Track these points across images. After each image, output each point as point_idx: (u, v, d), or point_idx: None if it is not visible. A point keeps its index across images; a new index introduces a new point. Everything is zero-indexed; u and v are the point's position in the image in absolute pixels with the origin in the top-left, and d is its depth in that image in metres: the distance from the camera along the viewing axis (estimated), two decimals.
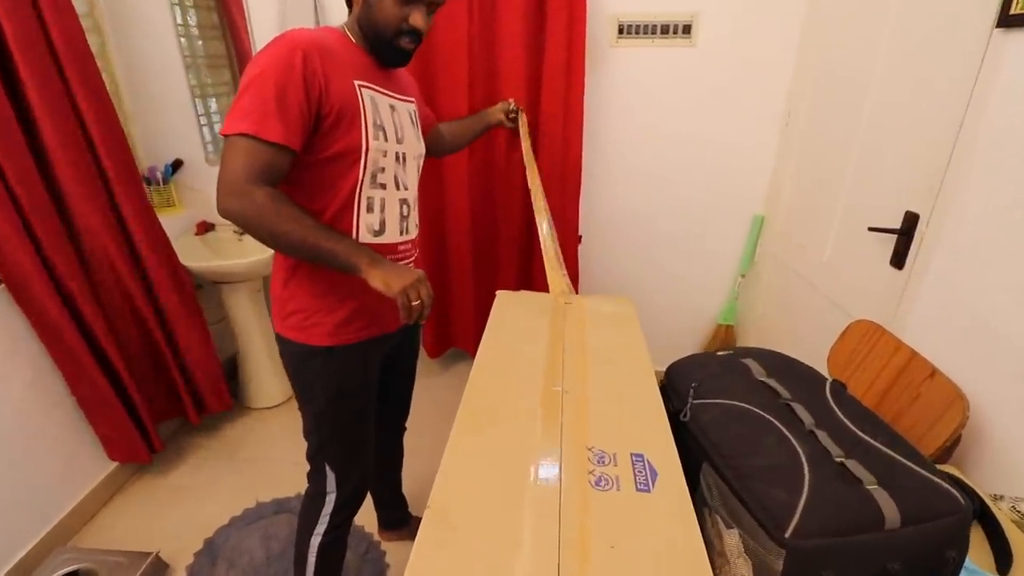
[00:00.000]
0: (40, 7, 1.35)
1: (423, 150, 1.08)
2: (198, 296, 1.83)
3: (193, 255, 1.86)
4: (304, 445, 1.09)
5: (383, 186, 0.95)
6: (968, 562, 0.73)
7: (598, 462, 0.59)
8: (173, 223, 1.97)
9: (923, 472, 0.64)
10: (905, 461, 0.65)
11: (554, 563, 0.46)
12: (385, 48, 0.94)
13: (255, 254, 1.85)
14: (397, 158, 0.96)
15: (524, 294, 1.04)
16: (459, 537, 0.48)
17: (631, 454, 0.60)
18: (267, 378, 2.13)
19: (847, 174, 1.43)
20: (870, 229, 1.26)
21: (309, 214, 0.84)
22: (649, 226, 2.04)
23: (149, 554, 1.43)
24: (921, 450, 0.72)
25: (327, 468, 1.06)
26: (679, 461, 0.61)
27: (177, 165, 1.99)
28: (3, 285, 1.37)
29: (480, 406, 0.69)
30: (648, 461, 0.60)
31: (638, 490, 0.56)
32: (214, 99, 2.08)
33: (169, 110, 1.93)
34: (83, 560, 1.42)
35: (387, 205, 0.96)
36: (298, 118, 0.82)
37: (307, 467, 1.10)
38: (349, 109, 0.87)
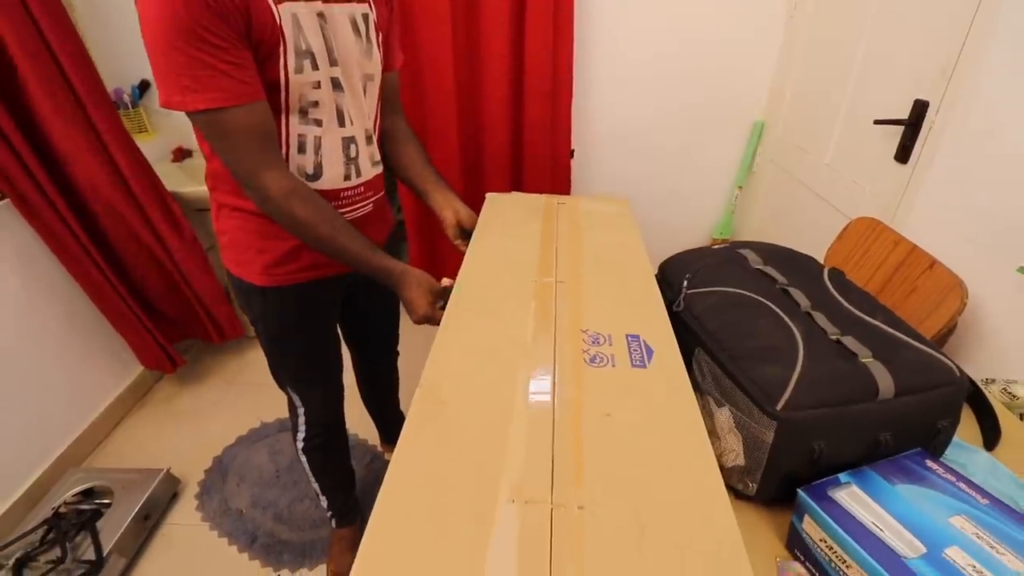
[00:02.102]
0: None
1: (377, 68, 0.86)
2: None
3: (174, 182, 1.79)
4: None
5: (317, 122, 0.79)
6: (957, 439, 0.75)
7: (592, 342, 0.58)
8: (148, 149, 1.87)
9: (921, 346, 0.63)
10: (903, 337, 0.64)
11: (548, 431, 0.46)
12: None
13: None
14: (336, 84, 0.79)
15: (515, 195, 1.00)
16: (450, 410, 0.48)
17: (626, 335, 0.59)
18: None
19: (854, 66, 1.35)
20: (876, 122, 1.20)
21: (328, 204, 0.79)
22: (643, 138, 1.95)
23: (160, 470, 1.47)
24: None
25: (288, 390, 1.07)
26: (675, 340, 0.60)
27: (144, 87, 1.86)
28: (7, 200, 1.35)
29: (470, 298, 0.67)
30: (644, 341, 0.59)
31: (633, 366, 0.55)
32: None
33: (127, 29, 1.78)
34: (96, 479, 1.47)
35: (324, 144, 0.81)
36: (247, 59, 0.67)
37: None
38: (267, 36, 0.69)
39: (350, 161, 0.85)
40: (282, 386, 1.07)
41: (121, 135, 1.53)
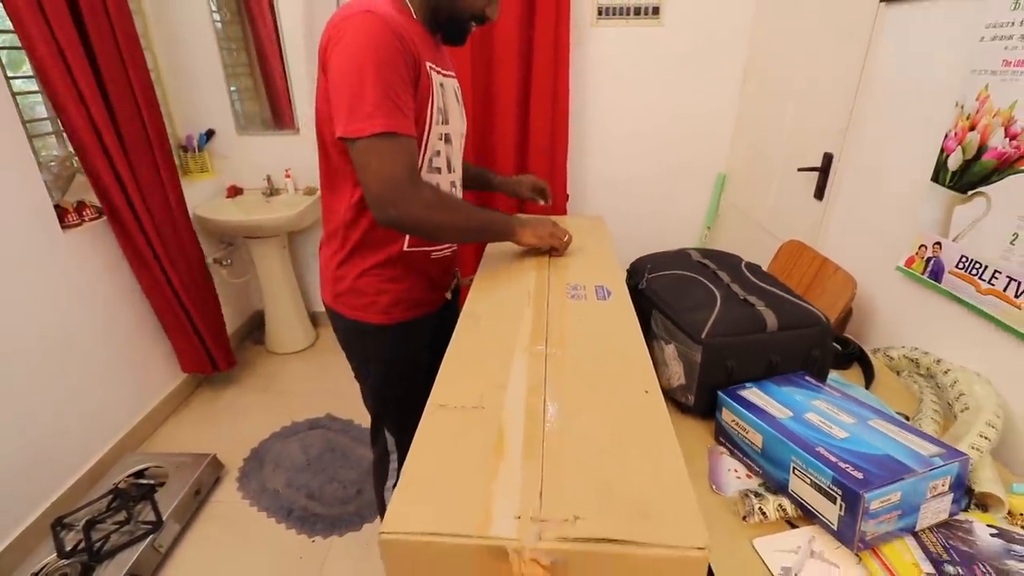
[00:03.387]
0: None
1: (466, 128, 1.06)
2: (230, 252, 2.11)
3: (225, 213, 2.12)
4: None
5: (438, 170, 0.94)
6: (842, 379, 1.03)
7: (573, 289, 0.88)
8: (207, 186, 2.23)
9: (800, 302, 0.93)
10: (789, 296, 0.94)
11: (544, 323, 0.75)
12: (455, 29, 0.93)
13: (280, 211, 2.12)
14: (447, 140, 0.94)
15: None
16: (482, 324, 0.77)
17: (595, 286, 0.89)
18: (292, 326, 2.40)
19: (784, 127, 1.73)
20: (799, 170, 1.55)
21: (449, 194, 0.93)
22: (627, 187, 2.32)
23: (208, 455, 1.70)
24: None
25: (386, 433, 1.16)
26: (627, 290, 0.89)
27: (210, 135, 2.24)
28: (105, 218, 1.66)
29: (485, 289, 0.97)
30: (606, 287, 0.88)
31: (598, 299, 0.84)
32: (235, 78, 2.33)
33: (203, 85, 2.18)
34: (152, 460, 1.69)
35: (441, 188, 0.93)
36: (411, 103, 0.80)
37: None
38: (424, 94, 0.84)
39: (450, 170, 1.01)
40: (379, 431, 1.16)
41: (174, 175, 1.88)
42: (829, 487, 0.65)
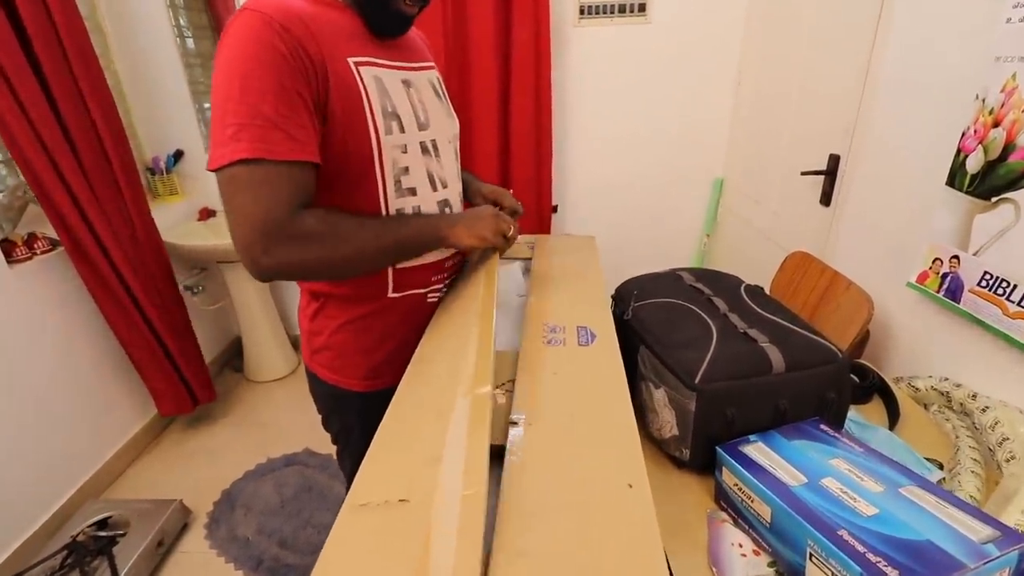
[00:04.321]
0: (50, 8, 1.50)
1: (457, 128, 0.87)
2: (202, 278, 1.99)
3: (196, 238, 2.01)
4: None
5: (412, 191, 0.75)
6: (862, 419, 0.89)
7: (551, 331, 0.75)
8: (177, 209, 2.12)
9: (809, 335, 0.80)
10: (797, 328, 0.81)
11: (511, 375, 0.62)
12: (379, 12, 0.71)
13: None
14: (424, 149, 0.76)
15: None
16: (432, 368, 0.64)
17: (576, 326, 0.76)
18: (270, 353, 2.28)
19: (785, 128, 1.60)
20: (802, 173, 1.42)
21: (355, 213, 0.70)
22: (621, 195, 2.19)
23: (172, 501, 1.58)
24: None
25: None
26: (615, 331, 0.76)
27: (179, 155, 2.13)
28: (60, 249, 1.55)
29: (441, 326, 0.84)
30: (589, 329, 0.75)
31: (579, 344, 0.71)
32: (205, 95, 2.22)
33: (169, 105, 2.07)
34: (113, 509, 1.56)
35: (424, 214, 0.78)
36: (305, 118, 0.62)
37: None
38: (347, 98, 0.66)
39: (435, 184, 0.81)
40: None
41: (141, 199, 1.76)
42: None
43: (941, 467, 0.80)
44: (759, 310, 0.86)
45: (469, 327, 0.74)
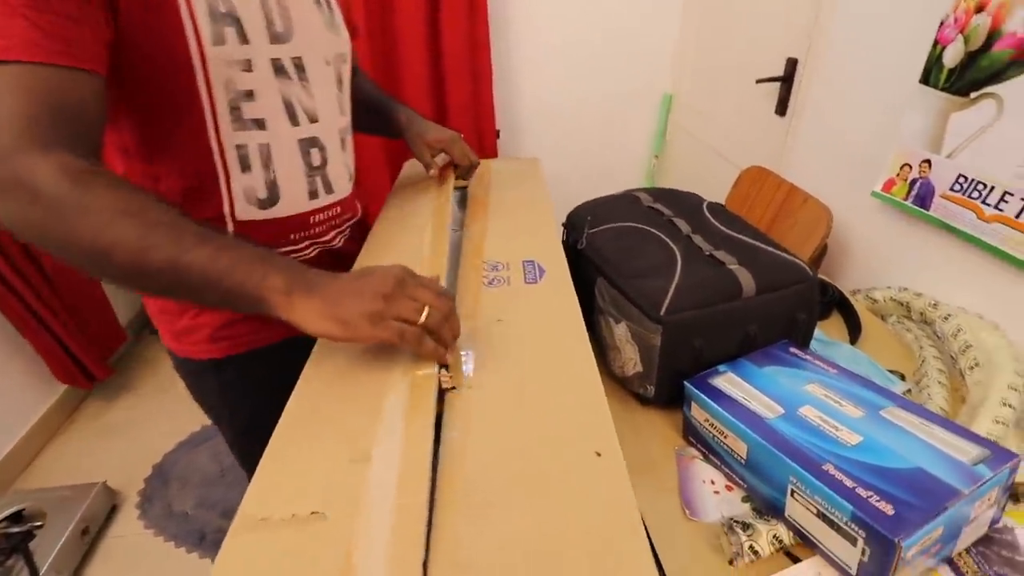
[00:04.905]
0: None
1: (347, 45, 0.68)
2: None
3: None
4: None
5: (258, 124, 0.58)
6: (823, 335, 0.86)
7: (492, 270, 0.64)
8: None
9: (778, 252, 0.73)
10: (765, 246, 0.74)
11: None
12: None
13: None
14: (279, 69, 0.57)
15: None
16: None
17: (522, 261, 0.65)
18: None
19: (738, 33, 1.48)
20: (757, 81, 1.32)
21: (155, 195, 0.45)
22: (565, 117, 2.04)
23: (95, 484, 1.42)
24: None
25: None
26: (566, 262, 0.66)
27: None
28: None
29: (380, 244, 0.71)
30: (537, 263, 0.65)
31: (526, 282, 0.61)
32: None
33: None
34: (25, 500, 1.40)
35: (274, 153, 0.60)
36: (79, 6, 0.43)
37: None
38: None
39: (315, 172, 0.64)
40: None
41: None
42: (847, 524, 0.47)
43: (903, 378, 0.78)
44: (725, 229, 0.78)
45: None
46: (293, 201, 0.64)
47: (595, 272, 0.77)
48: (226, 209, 0.60)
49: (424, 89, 1.79)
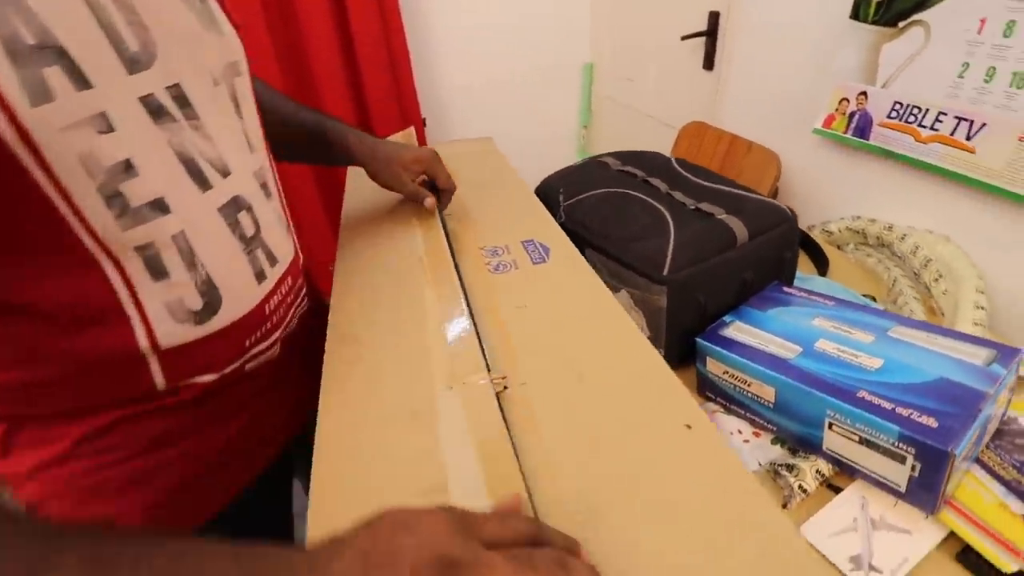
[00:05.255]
0: None
1: (234, 52, 0.45)
2: None
3: None
4: None
5: (158, 206, 0.37)
6: (799, 273, 0.89)
7: (492, 255, 0.59)
8: None
9: (758, 197, 0.74)
10: (743, 192, 0.75)
11: (471, 330, 0.46)
12: None
13: None
14: (156, 111, 0.37)
15: None
16: (366, 348, 0.46)
17: (521, 241, 0.61)
18: None
19: None
20: (682, 38, 1.35)
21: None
22: (489, 97, 1.99)
23: None
24: None
25: None
26: (566, 236, 0.63)
27: None
28: None
29: (359, 256, 0.64)
30: (537, 242, 0.61)
31: (534, 263, 0.57)
32: None
33: None
34: None
35: (197, 240, 0.40)
36: None
37: None
38: None
39: (252, 245, 0.45)
40: None
41: None
42: (895, 446, 0.48)
43: (875, 301, 0.83)
44: (701, 181, 0.78)
45: (411, 274, 0.56)
46: (240, 297, 0.44)
47: (582, 244, 0.74)
48: (142, 341, 0.38)
49: (340, 81, 1.66)
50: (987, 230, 0.78)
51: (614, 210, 0.75)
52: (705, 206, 0.72)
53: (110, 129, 0.33)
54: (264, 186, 0.48)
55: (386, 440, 0.37)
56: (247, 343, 0.46)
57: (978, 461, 0.53)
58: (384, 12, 1.62)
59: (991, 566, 0.47)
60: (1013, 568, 0.46)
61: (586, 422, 0.37)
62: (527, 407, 0.39)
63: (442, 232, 0.63)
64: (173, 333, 0.40)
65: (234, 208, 0.43)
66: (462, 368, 0.42)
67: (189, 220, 0.39)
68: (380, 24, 1.62)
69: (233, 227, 0.43)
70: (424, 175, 0.69)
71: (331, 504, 0.32)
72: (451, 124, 2.00)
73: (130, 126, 0.35)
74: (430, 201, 0.66)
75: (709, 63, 1.31)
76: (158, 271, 0.38)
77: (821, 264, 0.92)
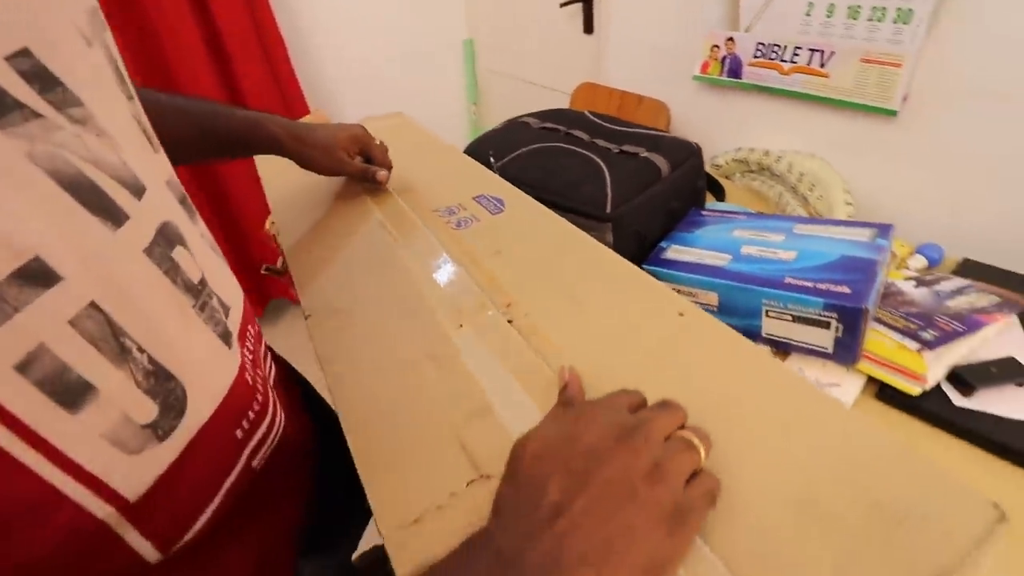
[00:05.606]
0: None
1: (163, 168, 0.32)
2: None
3: None
4: None
5: (39, 277, 0.21)
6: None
7: (449, 214, 0.61)
8: None
9: (668, 135, 0.82)
10: (655, 132, 0.83)
11: (462, 277, 0.48)
12: None
13: None
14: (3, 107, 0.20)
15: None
16: (355, 316, 0.46)
17: (472, 197, 0.63)
18: None
19: None
20: (561, 5, 1.41)
21: None
22: (377, 82, 1.93)
23: None
24: None
25: None
26: (513, 186, 0.66)
27: None
28: None
29: (315, 242, 0.62)
30: (488, 195, 0.64)
31: (493, 214, 0.60)
32: None
33: None
34: None
35: (118, 310, 0.24)
36: None
37: None
38: None
39: (201, 293, 0.30)
40: None
41: None
42: (821, 314, 0.58)
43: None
44: (618, 127, 0.85)
45: (378, 241, 0.55)
46: (209, 375, 0.30)
47: None
48: (96, 510, 0.24)
49: (210, 81, 1.52)
50: (844, 141, 0.94)
51: (547, 163, 0.79)
52: (628, 147, 0.79)
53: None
54: (183, 202, 0.33)
55: (412, 385, 0.38)
56: (237, 436, 0.32)
57: (876, 319, 0.66)
58: (251, 4, 1.50)
59: (903, 394, 0.59)
60: (917, 391, 0.59)
61: (595, 332, 0.41)
62: (537, 332, 0.42)
63: (396, 197, 0.63)
64: (133, 472, 0.25)
65: (165, 244, 0.28)
66: (466, 308, 0.44)
67: (100, 281, 0.23)
68: (249, 18, 1.51)
69: (172, 274, 0.28)
70: (360, 155, 0.67)
71: (383, 473, 0.33)
72: (339, 112, 1.92)
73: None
74: (383, 174, 0.65)
75: (589, 27, 1.40)
76: (66, 392, 0.22)
77: (718, 193, 1.04)
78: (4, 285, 0.19)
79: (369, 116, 1.18)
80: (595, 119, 0.89)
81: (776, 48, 0.96)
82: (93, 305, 0.23)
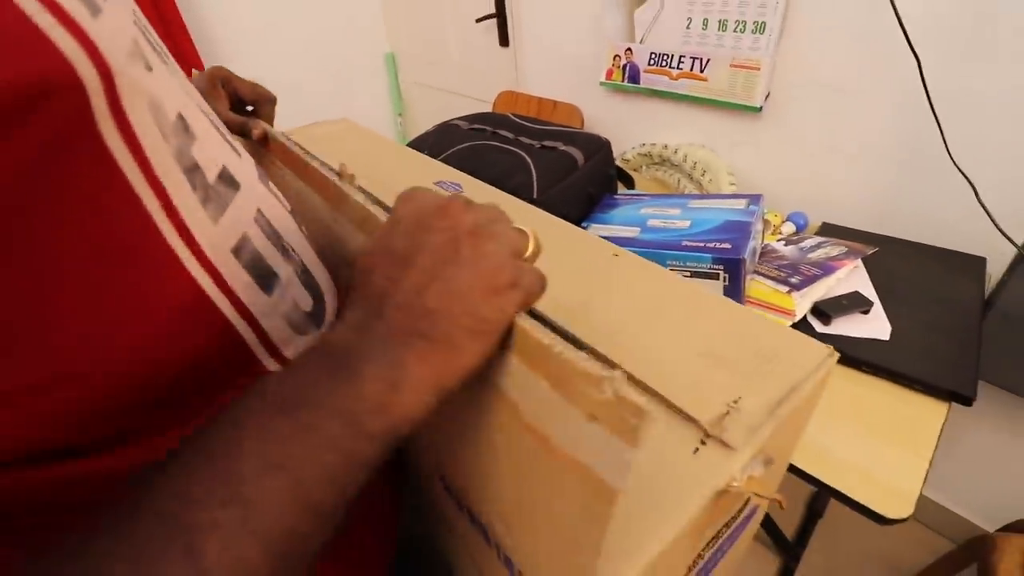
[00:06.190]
0: None
1: None
2: None
3: None
4: None
5: (228, 179, 0.27)
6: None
7: None
8: None
9: (582, 131, 0.95)
10: (571, 129, 0.95)
11: None
12: None
13: None
14: (148, 50, 0.24)
15: None
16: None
17: (434, 183, 0.71)
18: None
19: None
20: (477, 21, 1.53)
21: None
22: (296, 98, 1.94)
23: None
24: None
25: None
26: (465, 174, 0.75)
27: None
28: None
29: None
30: (448, 182, 0.72)
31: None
32: None
33: None
34: None
35: (272, 214, 0.31)
36: None
37: None
38: None
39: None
40: None
41: None
42: (711, 268, 0.72)
43: None
44: (538, 126, 0.96)
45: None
46: (327, 278, 0.35)
47: None
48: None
49: None
50: (726, 133, 1.12)
51: (479, 158, 0.89)
52: (547, 143, 0.90)
53: (149, 69, 0.23)
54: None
55: None
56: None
57: (756, 272, 0.81)
58: (165, 20, 1.49)
59: None
60: (788, 323, 0.73)
61: (547, 268, 0.51)
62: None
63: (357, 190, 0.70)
64: (301, 349, 0.30)
65: (264, 179, 0.33)
66: None
67: (257, 193, 0.29)
68: (163, 31, 1.49)
69: (280, 200, 0.33)
70: (254, 101, 0.59)
71: None
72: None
73: (156, 66, 0.24)
74: (259, 131, 0.52)
75: (504, 40, 1.52)
76: (264, 276, 0.27)
77: (628, 183, 1.19)
78: (215, 185, 0.26)
79: (315, 122, 1.23)
80: (518, 120, 1.00)
81: (666, 57, 1.12)
82: (259, 211, 0.29)
